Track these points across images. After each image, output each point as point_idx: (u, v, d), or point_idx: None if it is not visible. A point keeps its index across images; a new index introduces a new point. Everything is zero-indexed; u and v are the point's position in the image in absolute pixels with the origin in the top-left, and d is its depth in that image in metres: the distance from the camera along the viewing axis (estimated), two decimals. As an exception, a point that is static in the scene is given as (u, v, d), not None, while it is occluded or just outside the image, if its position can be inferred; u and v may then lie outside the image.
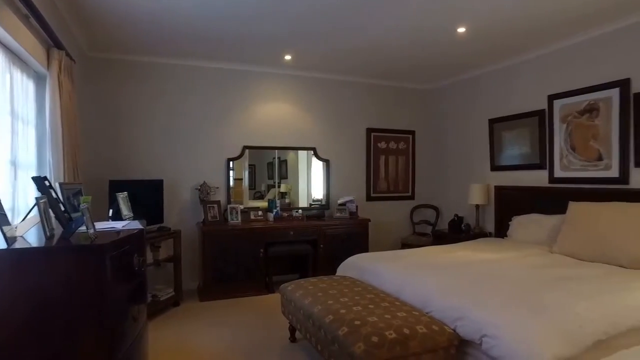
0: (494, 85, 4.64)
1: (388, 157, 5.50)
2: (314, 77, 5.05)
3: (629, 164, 3.33)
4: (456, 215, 4.86)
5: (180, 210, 4.47)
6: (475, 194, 4.60)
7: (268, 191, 5.01)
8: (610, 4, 3.07)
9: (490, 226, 4.67)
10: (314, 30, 3.62)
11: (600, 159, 3.55)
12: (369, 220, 4.81)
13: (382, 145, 5.45)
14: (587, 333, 1.97)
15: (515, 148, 4.33)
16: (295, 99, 4.99)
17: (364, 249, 4.66)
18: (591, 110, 3.60)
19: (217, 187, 4.57)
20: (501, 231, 4.38)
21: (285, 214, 4.67)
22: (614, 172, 3.44)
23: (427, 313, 2.35)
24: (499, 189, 4.51)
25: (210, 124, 4.62)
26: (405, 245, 5.12)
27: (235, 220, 4.36)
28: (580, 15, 3.26)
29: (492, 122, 4.60)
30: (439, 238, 4.81)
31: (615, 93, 3.41)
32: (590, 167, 3.63)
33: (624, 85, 3.35)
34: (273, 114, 4.88)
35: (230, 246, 4.16)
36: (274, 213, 4.60)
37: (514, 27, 3.53)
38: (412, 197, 5.65)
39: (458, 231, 4.72)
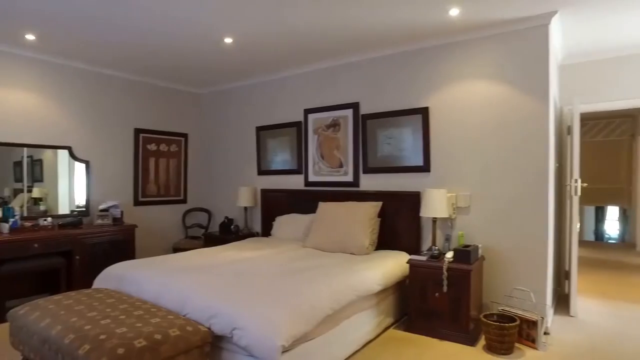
0: (261, 95, 5.04)
1: (159, 160, 5.28)
2: (70, 65, 4.43)
3: (359, 171, 4.17)
4: (226, 217, 5.05)
5: None
6: (244, 196, 4.89)
7: (15, 197, 4.11)
8: (344, 45, 3.77)
9: (257, 226, 5.05)
10: (64, 11, 3.19)
11: (341, 166, 4.30)
12: (136, 226, 4.51)
13: (153, 147, 5.20)
14: (318, 311, 2.36)
15: (279, 155, 4.84)
16: (44, 89, 4.25)
17: (131, 257, 4.35)
18: (335, 125, 4.33)
19: None
20: (267, 230, 4.79)
21: (28, 224, 3.92)
22: (349, 177, 4.23)
23: (184, 315, 2.37)
24: (264, 192, 4.93)
25: None
26: (177, 249, 5.01)
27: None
28: (324, 48, 3.90)
29: (259, 129, 5.00)
30: (211, 240, 4.90)
31: (350, 113, 4.20)
32: (335, 173, 4.35)
33: (355, 107, 4.17)
34: (13, 104, 4.03)
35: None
36: (11, 223, 3.80)
37: (276, 47, 3.93)
38: (184, 201, 5.58)
39: (228, 232, 4.91)
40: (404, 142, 3.86)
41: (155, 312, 2.28)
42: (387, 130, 3.95)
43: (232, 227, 4.95)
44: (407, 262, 3.30)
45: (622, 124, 7.95)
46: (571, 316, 3.66)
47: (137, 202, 5.03)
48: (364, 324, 2.98)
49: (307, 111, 4.55)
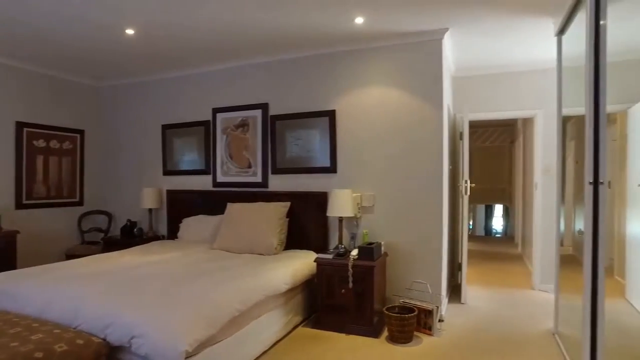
0: (167, 91, 4.80)
1: (49, 158, 4.77)
2: None
3: (268, 172, 4.17)
4: (129, 220, 4.73)
5: None
6: (149, 198, 4.62)
7: None
8: (254, 45, 3.75)
9: (163, 229, 4.80)
10: None
11: (250, 166, 4.26)
12: (18, 232, 4.03)
13: (41, 143, 4.68)
14: (224, 313, 2.32)
15: (186, 154, 4.65)
16: None
17: (11, 267, 3.86)
18: (243, 125, 4.28)
19: None
20: (173, 233, 4.58)
21: None
22: (258, 178, 4.21)
23: (75, 327, 2.18)
24: (171, 193, 4.70)
25: None
26: (70, 256, 4.57)
27: None
28: (234, 47, 3.84)
29: (165, 128, 4.76)
30: (111, 245, 4.55)
31: (259, 113, 4.19)
32: (243, 174, 4.30)
33: (264, 108, 4.17)
34: None
35: None
36: None
37: (183, 42, 3.77)
38: (80, 203, 5.11)
39: (131, 236, 4.61)
40: (311, 144, 3.96)
41: (37, 328, 2.06)
42: (296, 131, 4.02)
43: (135, 230, 4.64)
44: (315, 261, 3.38)
45: (504, 132, 8.99)
46: (462, 303, 4.04)
47: (20, 205, 4.48)
48: (273, 324, 2.99)
49: (216, 110, 4.44)
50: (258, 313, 2.78)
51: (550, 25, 3.42)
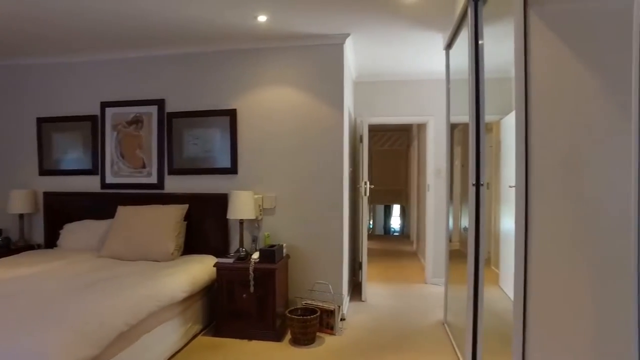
0: (45, 80, 4.23)
1: None
2: None
3: (164, 172, 3.90)
4: (-7, 228, 4.08)
5: None
6: (19, 201, 4.02)
7: None
8: (150, 36, 3.47)
9: (39, 237, 4.22)
10: None
11: (144, 166, 3.94)
12: None
13: None
14: (109, 329, 2.08)
15: (68, 152, 4.15)
16: None
17: None
18: (137, 122, 3.95)
19: None
20: (52, 241, 4.04)
21: None
22: (154, 179, 3.91)
23: None
24: (49, 195, 4.15)
25: None
26: None
27: None
28: (126, 36, 3.52)
29: (42, 121, 4.19)
30: (-32, 258, 3.86)
31: (154, 110, 3.90)
32: (137, 174, 3.96)
33: (161, 104, 3.89)
34: None
35: None
36: None
37: (63, 24, 3.34)
38: None
39: (-4, 247, 3.97)
40: (211, 143, 3.79)
41: None
42: (194, 130, 3.81)
43: (1, 239, 4.01)
44: (215, 266, 3.23)
45: (401, 136, 9.60)
46: (363, 301, 4.19)
47: None
48: (169, 335, 2.78)
49: (105, 104, 4.03)
50: (152, 325, 2.56)
51: (440, 39, 3.70)
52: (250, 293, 3.13)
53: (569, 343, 1.73)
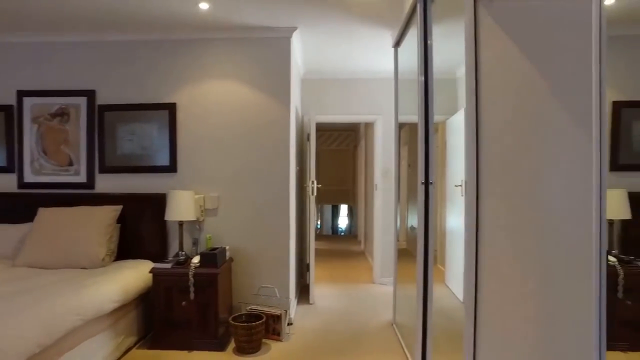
0: (-50, 67, 3.71)
1: None
2: None
3: (95, 170, 3.55)
4: None
5: None
6: None
7: None
8: (77, 18, 3.13)
9: (-57, 244, 3.68)
10: None
11: (71, 164, 3.57)
12: None
13: None
14: (15, 353, 1.79)
15: (-20, 148, 3.66)
16: None
17: None
18: (62, 114, 3.56)
19: None
20: (-41, 249, 3.54)
21: None
22: (82, 178, 3.55)
23: None
24: (-45, 197, 3.64)
25: None
26: None
27: None
28: (46, 16, 3.14)
29: (-55, 112, 3.67)
30: None
31: (83, 101, 3.53)
32: (62, 172, 3.57)
33: (91, 95, 3.53)
34: None
35: None
36: None
37: (-33, 1, 2.92)
38: None
39: None
40: (148, 139, 3.49)
41: None
42: (129, 125, 3.50)
43: None
44: (150, 271, 2.96)
45: (349, 136, 9.63)
46: (311, 304, 4.06)
47: None
48: (97, 351, 2.49)
49: (22, 93, 3.59)
50: (75, 341, 2.27)
51: (389, 37, 3.67)
52: (191, 300, 2.90)
53: (519, 342, 1.71)
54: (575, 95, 1.63)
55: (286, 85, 3.48)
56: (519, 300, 1.69)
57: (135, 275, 2.95)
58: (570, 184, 1.63)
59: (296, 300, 4.04)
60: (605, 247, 1.17)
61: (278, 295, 3.33)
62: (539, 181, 1.67)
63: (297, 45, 3.83)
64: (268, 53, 3.48)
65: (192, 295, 2.89)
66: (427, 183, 2.59)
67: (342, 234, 10.91)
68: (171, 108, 3.47)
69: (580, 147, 1.62)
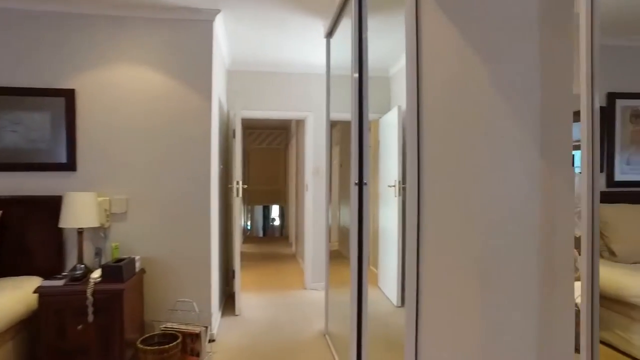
0: None
1: None
2: None
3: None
4: None
5: None
6: None
7: None
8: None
9: None
10: None
11: None
12: None
13: None
14: None
15: None
16: None
17: None
18: None
19: None
20: None
21: None
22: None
23: None
24: None
25: None
26: None
27: None
28: None
29: None
30: None
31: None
32: None
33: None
34: None
35: None
36: None
37: None
38: None
39: None
40: (39, 131, 2.92)
41: None
42: (14, 113, 2.90)
43: None
44: (35, 291, 2.44)
45: (280, 134, 9.34)
46: (237, 315, 3.72)
47: None
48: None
49: None
50: None
51: (321, 28, 3.44)
52: (89, 323, 2.44)
53: (462, 347, 1.56)
54: (519, 89, 1.50)
55: (207, 74, 3.11)
56: (461, 303, 1.55)
57: (13, 297, 2.39)
58: (513, 183, 1.51)
59: (220, 313, 3.68)
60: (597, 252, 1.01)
61: (197, 310, 2.95)
62: (481, 180, 1.53)
63: (221, 31, 3.47)
64: (188, 37, 3.09)
65: (90, 317, 2.43)
66: (360, 183, 2.41)
67: (275, 235, 10.58)
68: (69, 95, 2.94)
69: (522, 143, 1.49)
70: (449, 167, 1.62)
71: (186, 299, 2.98)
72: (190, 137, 3.08)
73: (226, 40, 3.72)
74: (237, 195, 3.78)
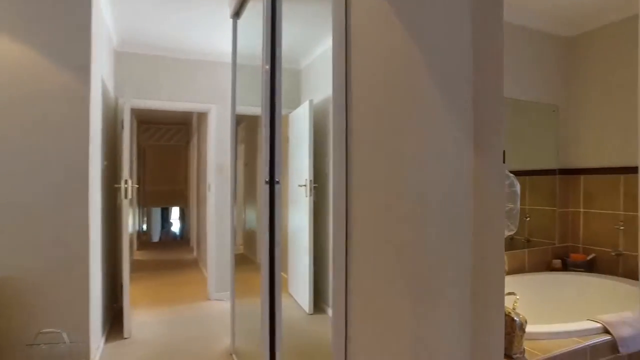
0: None
1: None
2: None
3: None
4: None
5: None
6: None
7: None
8: None
9: None
10: None
11: None
12: None
13: None
14: None
15: None
16: None
17: None
18: None
19: None
20: None
21: None
22: None
23: None
24: None
25: None
26: None
27: None
28: None
29: None
30: None
31: None
32: None
33: None
34: None
35: None
36: None
37: None
38: None
39: None
40: None
41: None
42: None
43: None
44: None
45: (180, 130, 8.61)
46: (126, 338, 3.17)
47: None
48: None
49: None
50: None
51: (227, 9, 3.06)
52: None
53: (393, 353, 1.37)
54: (449, 72, 1.32)
55: (85, 47, 2.54)
56: (391, 304, 1.35)
57: None
58: (447, 179, 1.33)
59: (104, 339, 3.09)
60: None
61: (68, 341, 2.37)
62: (413, 176, 1.33)
63: (107, 6, 2.90)
64: (59, 1, 2.49)
65: None
66: (272, 182, 2.13)
67: (175, 239, 9.75)
68: None
69: (457, 138, 1.32)
70: (378, 163, 1.40)
71: (52, 330, 2.37)
72: (60, 125, 2.48)
73: (111, 12, 3.15)
74: (126, 196, 3.21)
